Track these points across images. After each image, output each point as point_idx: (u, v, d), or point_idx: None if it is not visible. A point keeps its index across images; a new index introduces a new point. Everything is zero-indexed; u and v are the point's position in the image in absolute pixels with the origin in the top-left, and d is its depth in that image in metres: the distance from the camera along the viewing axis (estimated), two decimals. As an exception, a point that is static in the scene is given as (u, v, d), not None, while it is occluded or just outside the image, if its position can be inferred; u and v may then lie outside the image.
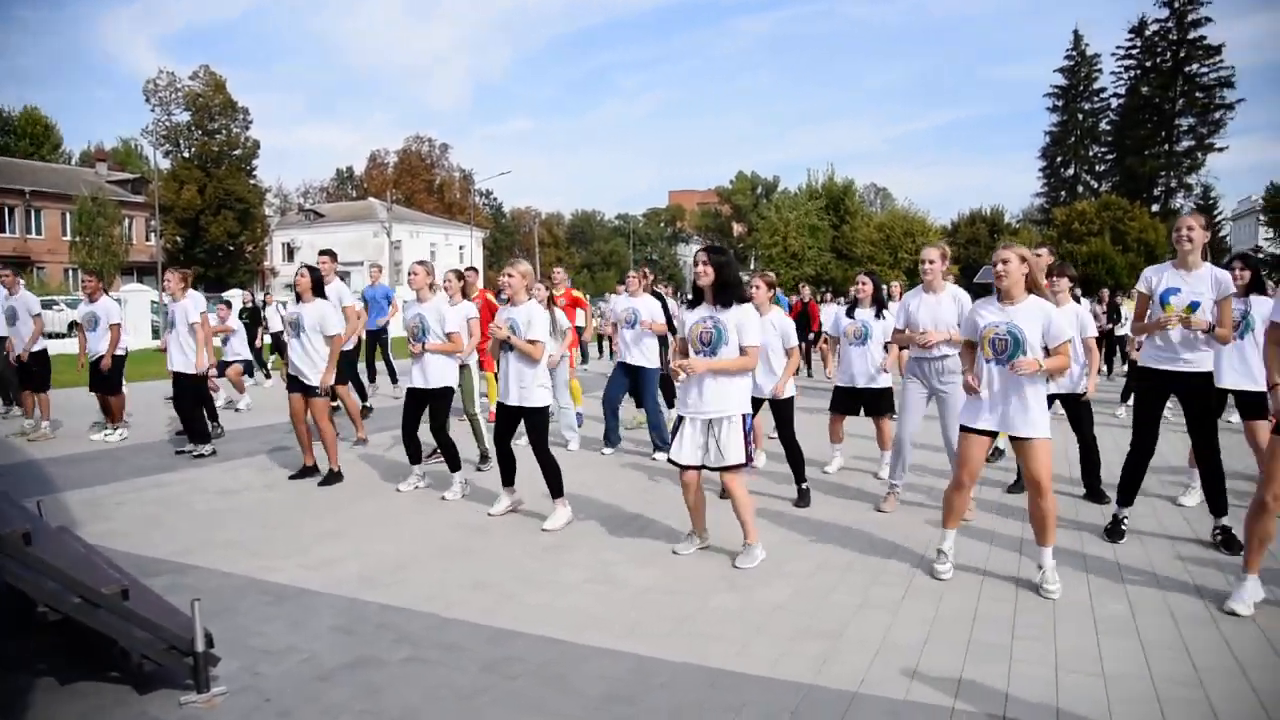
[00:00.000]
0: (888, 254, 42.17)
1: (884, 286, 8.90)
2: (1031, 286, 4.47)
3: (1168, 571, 4.75)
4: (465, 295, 8.08)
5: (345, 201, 66.36)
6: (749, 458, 4.91)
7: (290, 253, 54.81)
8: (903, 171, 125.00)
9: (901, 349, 6.62)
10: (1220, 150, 53.67)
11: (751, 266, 52.24)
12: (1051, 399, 6.15)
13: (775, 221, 46.66)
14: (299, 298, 7.16)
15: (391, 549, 5.26)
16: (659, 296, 8.87)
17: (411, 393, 6.72)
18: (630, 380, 8.27)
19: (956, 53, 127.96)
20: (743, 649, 3.75)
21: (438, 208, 66.67)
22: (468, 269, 9.55)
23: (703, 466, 4.92)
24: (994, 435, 4.54)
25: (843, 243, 45.07)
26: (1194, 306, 4.91)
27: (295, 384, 7.10)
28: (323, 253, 9.65)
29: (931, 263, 5.94)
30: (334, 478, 7.05)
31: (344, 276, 11.02)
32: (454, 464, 6.59)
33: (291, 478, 7.21)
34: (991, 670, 3.51)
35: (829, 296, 20.54)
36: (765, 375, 6.38)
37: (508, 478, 6.02)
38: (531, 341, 5.64)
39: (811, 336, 15.35)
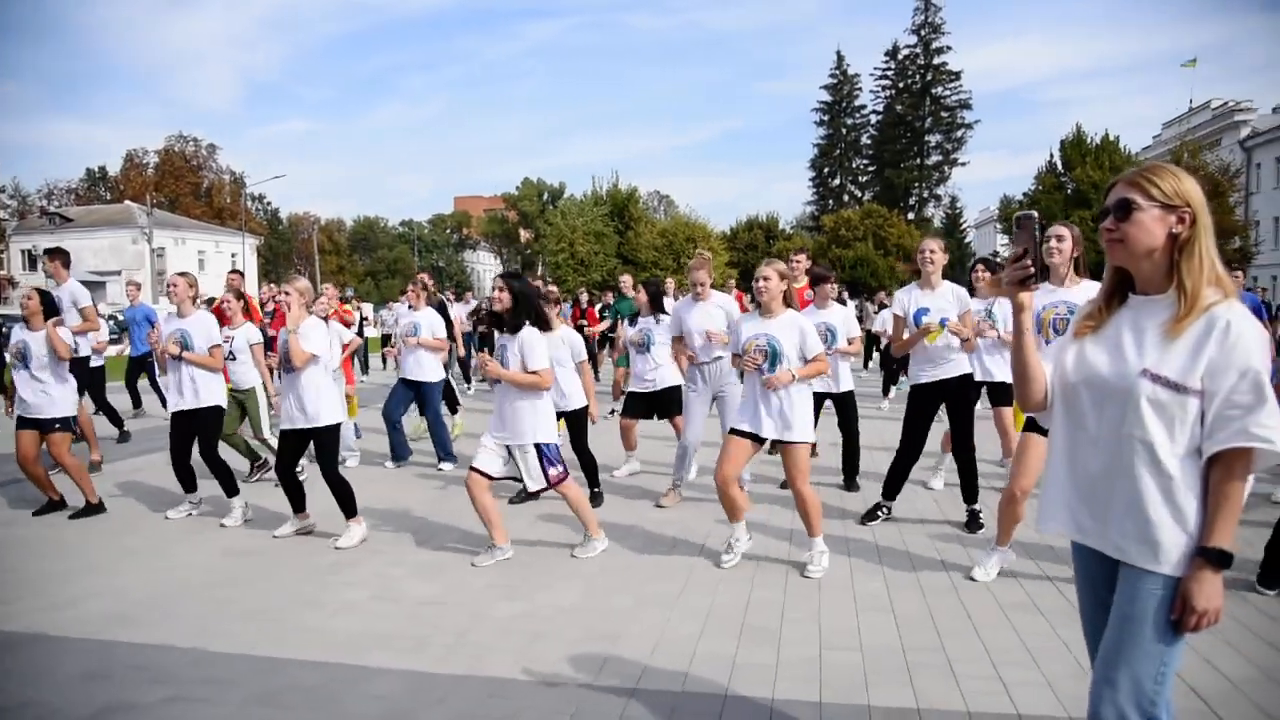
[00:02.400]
0: (671, 259, 43.49)
1: (663, 291, 9.19)
2: (788, 301, 4.80)
3: (919, 550, 5.21)
4: (247, 314, 7.64)
5: (99, 205, 60.73)
6: (550, 483, 5.02)
7: (32, 260, 49.55)
8: (685, 179, 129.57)
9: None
10: (963, 165, 59.53)
11: (539, 272, 52.34)
12: (821, 399, 6.62)
13: (562, 228, 47.04)
14: (27, 322, 6.32)
15: (153, 582, 4.88)
16: (442, 306, 8.77)
17: (177, 416, 6.18)
18: (413, 395, 8.12)
19: (736, 66, 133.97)
20: (524, 656, 3.77)
21: (206, 213, 62.42)
22: (231, 273, 8.98)
23: (506, 478, 5.08)
24: (758, 440, 4.81)
25: (628, 249, 46.05)
26: (943, 323, 5.43)
27: (23, 421, 6.28)
28: (48, 252, 8.42)
29: (702, 285, 6.28)
30: (91, 510, 6.39)
31: (98, 287, 10.12)
32: (230, 489, 6.17)
33: (36, 513, 6.45)
34: (763, 654, 3.72)
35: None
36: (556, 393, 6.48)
37: (298, 505, 5.75)
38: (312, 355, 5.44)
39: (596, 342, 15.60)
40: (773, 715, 3.22)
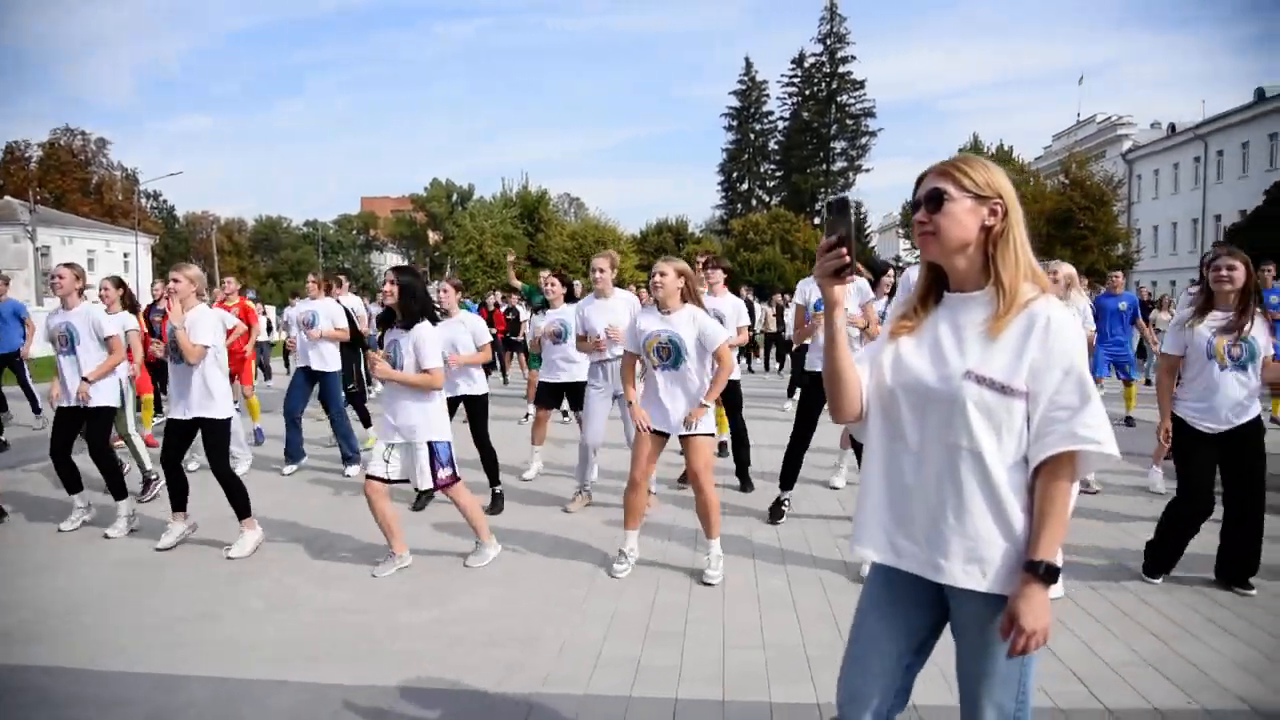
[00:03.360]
0: (580, 262, 43.50)
1: (574, 284, 9.16)
2: (687, 296, 4.84)
3: (821, 548, 5.33)
4: (126, 305, 7.32)
5: (-26, 201, 57.35)
6: (438, 485, 4.93)
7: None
8: (596, 182, 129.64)
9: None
10: (867, 171, 61.12)
11: (447, 274, 51.63)
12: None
13: (471, 230, 46.58)
14: None
15: (38, 598, 4.64)
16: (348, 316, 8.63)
17: (63, 412, 5.85)
18: (313, 385, 7.93)
19: (648, 71, 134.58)
20: (430, 663, 3.73)
21: (96, 210, 59.57)
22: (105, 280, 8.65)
23: (403, 480, 4.97)
24: (665, 435, 4.85)
25: (537, 251, 45.86)
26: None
27: None
28: None
29: (601, 271, 6.26)
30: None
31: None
32: (118, 491, 5.87)
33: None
34: (667, 656, 3.76)
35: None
36: (461, 376, 6.43)
37: (178, 501, 5.51)
38: (204, 345, 5.25)
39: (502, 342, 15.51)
40: (676, 715, 3.25)
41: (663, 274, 4.77)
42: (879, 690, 2.09)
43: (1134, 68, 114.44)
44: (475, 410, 6.49)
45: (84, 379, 5.75)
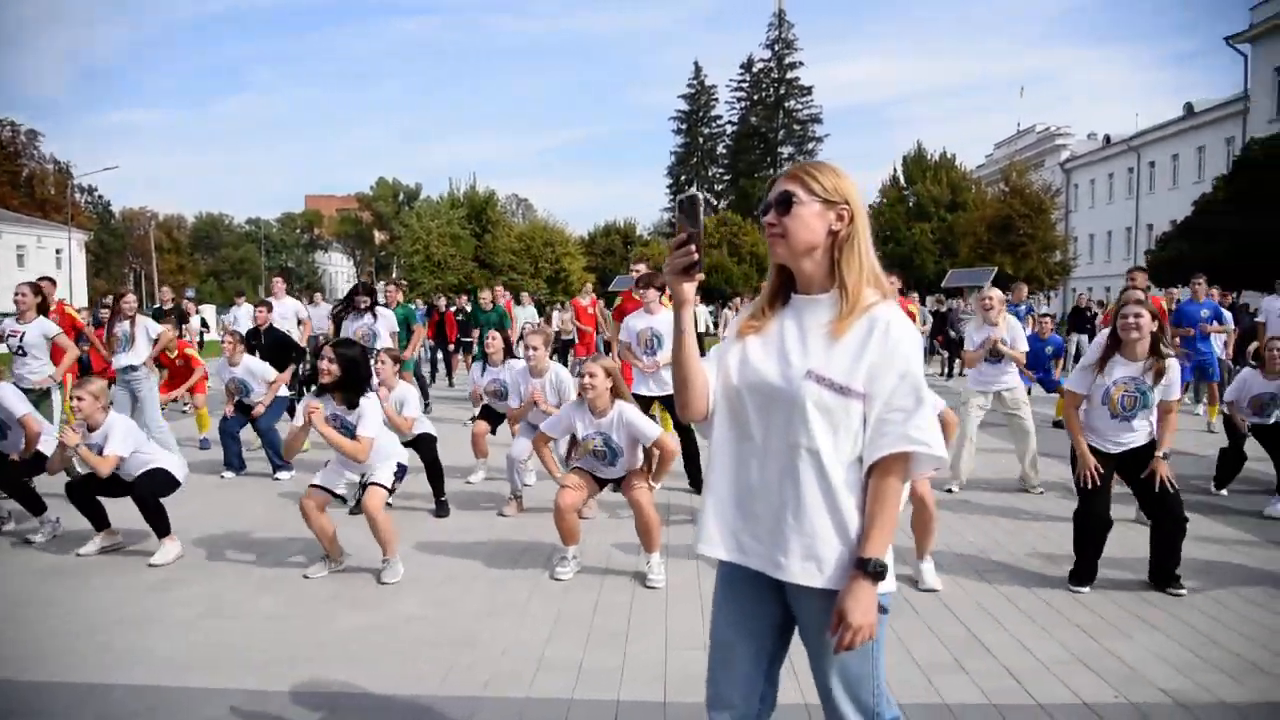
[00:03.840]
0: (528, 264, 43.30)
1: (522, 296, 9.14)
2: (616, 394, 4.85)
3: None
4: (43, 311, 7.13)
5: (-106, 194, 55.20)
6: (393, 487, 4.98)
7: None
8: (545, 183, 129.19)
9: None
10: (814, 176, 61.52)
11: (394, 275, 51.09)
12: (648, 402, 6.71)
13: (417, 229, 45.98)
14: None
15: (-48, 605, 4.48)
16: (286, 342, 8.55)
17: None
18: (249, 411, 7.85)
19: (597, 73, 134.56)
20: (369, 668, 3.67)
21: (26, 204, 57.70)
22: (42, 279, 8.42)
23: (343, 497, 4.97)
24: (603, 483, 4.89)
25: (485, 252, 45.49)
26: None
27: None
28: None
29: (535, 349, 6.29)
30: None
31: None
32: (35, 506, 5.69)
33: None
34: (609, 657, 3.75)
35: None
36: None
37: (99, 524, 5.41)
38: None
39: (453, 347, 15.39)
40: (618, 717, 3.24)
41: (592, 375, 4.76)
42: (740, 695, 2.11)
43: (1072, 80, 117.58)
44: (425, 446, 6.45)
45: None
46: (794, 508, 1.90)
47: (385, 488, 4.87)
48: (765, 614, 2.06)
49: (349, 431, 4.77)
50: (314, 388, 4.94)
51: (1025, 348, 7.30)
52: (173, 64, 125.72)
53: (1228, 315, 10.49)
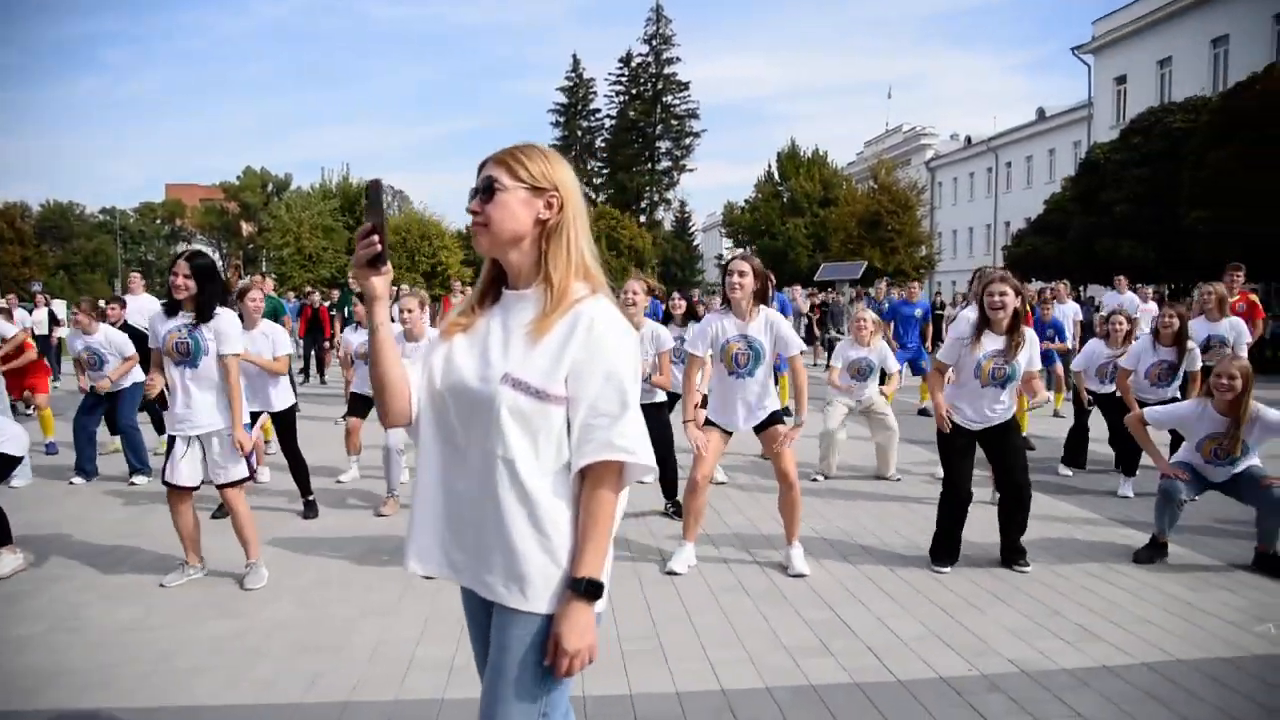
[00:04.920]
0: (405, 257, 42.36)
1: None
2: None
3: (639, 543, 5.42)
4: None
5: None
6: (252, 471, 4.74)
7: None
8: (421, 175, 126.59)
9: None
10: (691, 171, 62.49)
11: (263, 268, 49.16)
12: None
13: (287, 221, 44.29)
14: None
15: None
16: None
17: None
18: (104, 402, 7.39)
19: (476, 63, 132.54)
20: (234, 677, 3.54)
21: None
22: None
23: (202, 484, 4.65)
24: None
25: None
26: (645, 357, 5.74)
27: None
28: None
29: (410, 311, 6.07)
30: None
31: None
32: None
33: None
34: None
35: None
36: (271, 386, 6.26)
37: None
38: None
39: (327, 343, 14.96)
40: (491, 715, 3.22)
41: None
42: None
43: (937, 83, 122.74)
44: (283, 423, 6.30)
45: None
46: (495, 523, 1.73)
47: (240, 465, 4.65)
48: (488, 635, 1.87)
49: (197, 346, 4.50)
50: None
51: (895, 367, 7.71)
52: (12, 39, 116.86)
53: (1066, 321, 11.25)
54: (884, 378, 7.74)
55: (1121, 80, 33.91)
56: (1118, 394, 6.65)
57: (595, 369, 1.71)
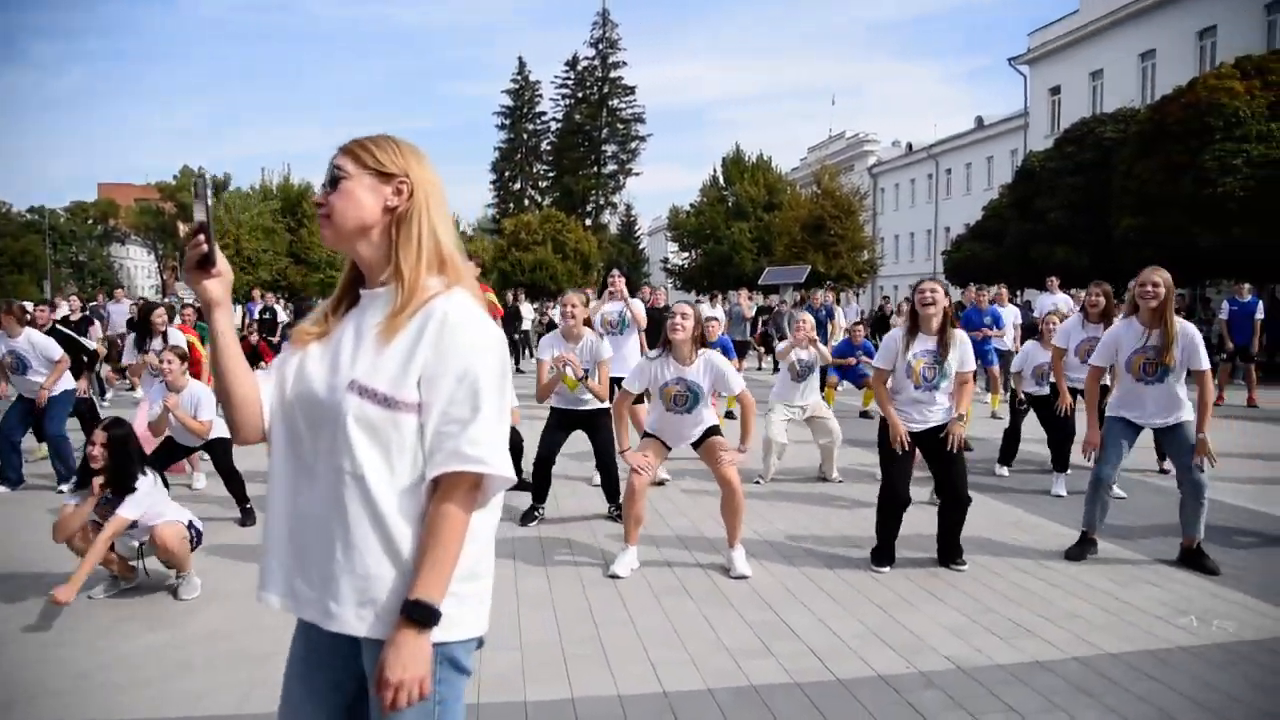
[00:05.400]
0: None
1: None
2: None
3: (582, 545, 5.40)
4: None
5: None
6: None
7: None
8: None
9: None
10: (637, 175, 62.80)
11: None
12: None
13: (226, 222, 43.45)
14: None
15: None
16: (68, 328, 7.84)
17: None
18: (33, 409, 7.15)
19: (421, 64, 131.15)
20: (163, 690, 3.44)
21: None
22: None
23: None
24: None
25: (300, 247, 43.56)
26: (587, 373, 5.80)
27: None
28: None
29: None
30: None
31: None
32: None
33: None
34: (423, 661, 3.67)
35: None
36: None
37: None
38: None
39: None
40: (430, 722, 3.18)
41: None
42: None
43: (879, 91, 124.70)
44: (217, 451, 6.11)
45: None
46: (343, 544, 1.58)
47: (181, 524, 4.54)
48: (342, 668, 1.70)
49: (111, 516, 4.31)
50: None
51: (829, 359, 7.81)
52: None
53: (1005, 319, 11.57)
54: (824, 382, 7.84)
55: (1056, 91, 34.82)
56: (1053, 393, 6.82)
57: (447, 370, 1.57)
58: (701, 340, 5.01)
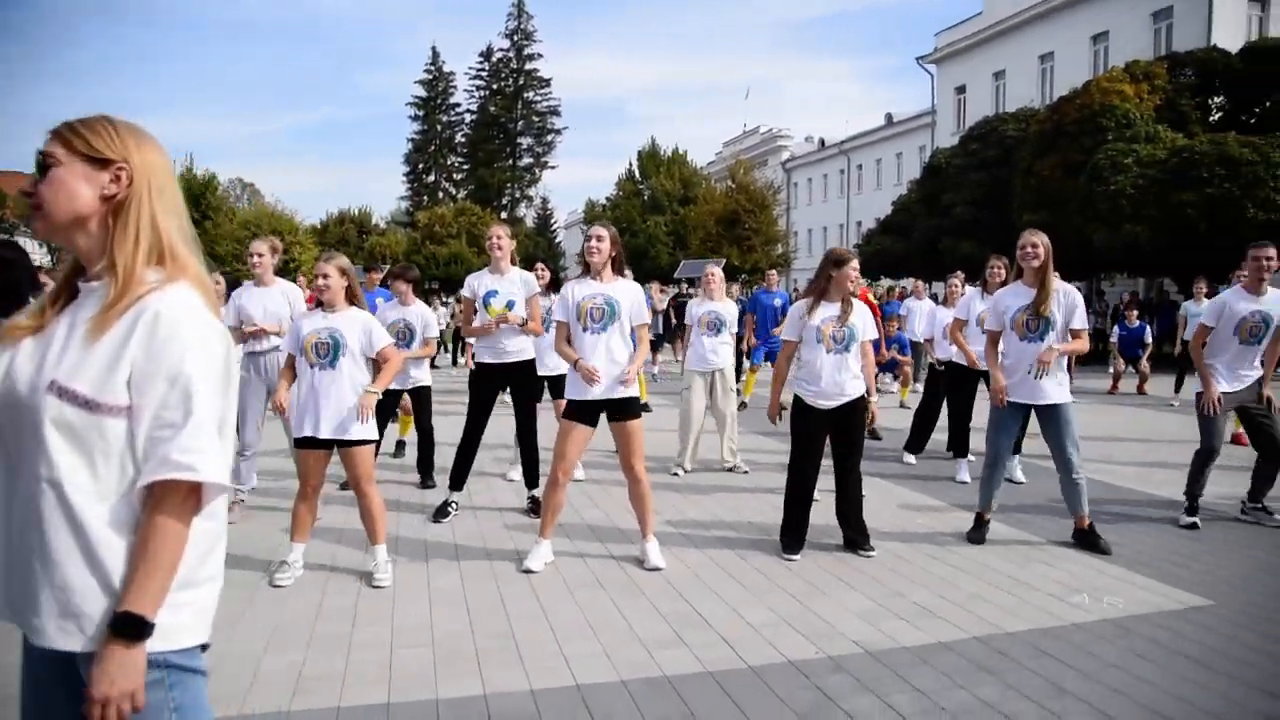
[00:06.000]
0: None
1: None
2: (351, 298, 4.66)
3: (496, 541, 5.35)
4: None
5: None
6: None
7: None
8: (272, 168, 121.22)
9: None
10: (553, 168, 62.48)
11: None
12: (396, 395, 6.59)
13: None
14: None
15: None
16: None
17: None
18: None
19: (330, 53, 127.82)
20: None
21: None
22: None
23: None
24: (330, 445, 4.60)
25: (205, 240, 42.09)
26: (510, 305, 5.63)
27: None
28: None
29: (261, 255, 5.92)
30: None
31: None
32: None
33: None
34: (331, 663, 3.59)
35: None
36: None
37: None
38: None
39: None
40: (337, 723, 3.12)
41: (326, 275, 4.56)
42: None
43: (793, 87, 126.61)
44: None
45: None
46: (41, 555, 1.47)
47: None
48: (57, 693, 1.56)
49: None
50: None
51: (734, 327, 7.81)
52: None
53: (914, 306, 11.88)
54: (741, 369, 7.88)
55: (961, 90, 35.90)
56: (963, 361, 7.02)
57: (158, 372, 1.47)
58: None
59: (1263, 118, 19.14)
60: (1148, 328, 14.05)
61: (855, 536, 5.11)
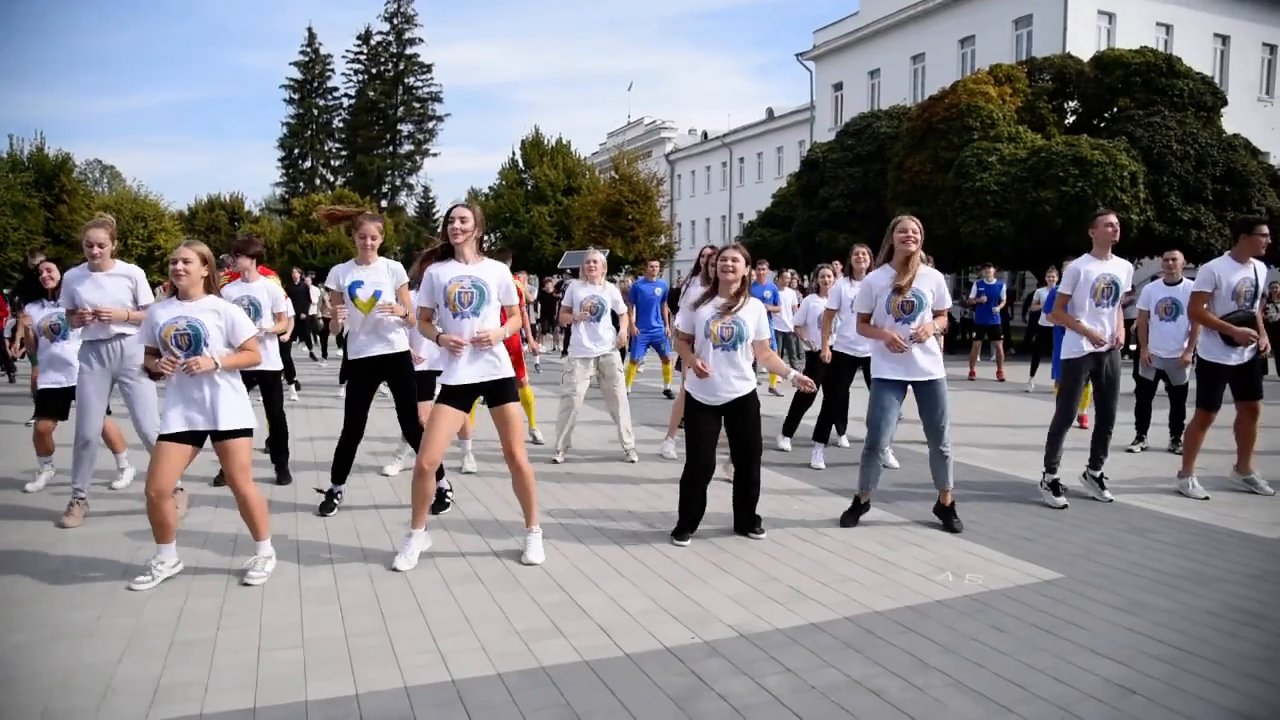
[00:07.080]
0: (116, 240, 38.53)
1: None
2: (209, 288, 4.46)
3: (372, 538, 5.22)
4: None
5: None
6: None
7: None
8: (133, 150, 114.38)
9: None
10: (435, 156, 61.39)
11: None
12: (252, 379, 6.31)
13: (-33, 198, 38.87)
14: None
15: None
16: None
17: None
18: None
19: (194, 30, 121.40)
20: None
21: None
22: None
23: None
24: (200, 440, 4.40)
25: (59, 225, 39.57)
26: (377, 295, 5.47)
27: None
28: None
29: (101, 246, 5.52)
30: None
31: None
32: None
33: None
34: (193, 670, 3.43)
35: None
36: None
37: None
38: None
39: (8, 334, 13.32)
40: (198, 732, 2.99)
41: (186, 260, 4.33)
42: None
43: (676, 80, 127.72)
44: None
45: None
46: None
47: None
48: None
49: None
50: None
51: (623, 310, 7.84)
52: None
53: (782, 297, 12.41)
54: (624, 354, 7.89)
55: (839, 87, 36.92)
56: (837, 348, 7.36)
57: None
58: None
59: (1111, 122, 20.42)
60: (1003, 285, 14.78)
61: (747, 520, 5.26)
